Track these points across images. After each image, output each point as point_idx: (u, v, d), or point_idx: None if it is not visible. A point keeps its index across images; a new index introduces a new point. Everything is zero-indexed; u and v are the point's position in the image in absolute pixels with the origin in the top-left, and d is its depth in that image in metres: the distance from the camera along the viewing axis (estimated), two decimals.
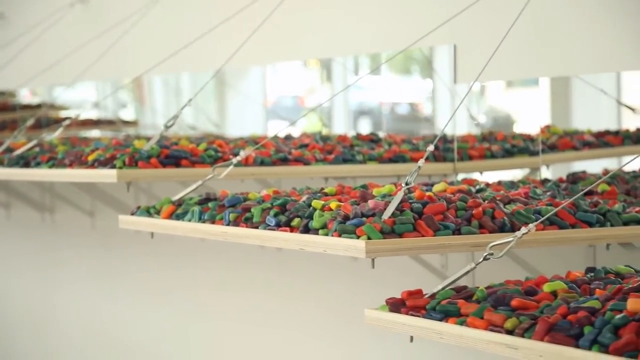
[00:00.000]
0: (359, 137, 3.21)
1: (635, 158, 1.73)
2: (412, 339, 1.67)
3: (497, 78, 3.50)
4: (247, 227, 2.08)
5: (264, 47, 3.30)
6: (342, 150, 2.94)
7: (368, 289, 2.83)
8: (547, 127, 3.40)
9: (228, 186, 2.48)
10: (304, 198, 2.09)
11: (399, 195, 1.89)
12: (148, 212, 2.41)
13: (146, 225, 2.36)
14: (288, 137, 3.34)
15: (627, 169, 2.72)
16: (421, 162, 1.95)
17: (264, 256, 3.02)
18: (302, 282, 3.07)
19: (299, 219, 1.98)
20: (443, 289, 1.71)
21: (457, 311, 1.62)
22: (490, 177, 2.99)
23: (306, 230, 1.94)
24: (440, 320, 1.61)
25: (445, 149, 3.01)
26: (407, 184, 1.92)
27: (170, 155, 2.58)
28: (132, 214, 2.44)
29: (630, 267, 1.79)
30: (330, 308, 3.00)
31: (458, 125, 4.16)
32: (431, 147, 2.01)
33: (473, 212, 1.94)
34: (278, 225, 2.01)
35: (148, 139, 2.90)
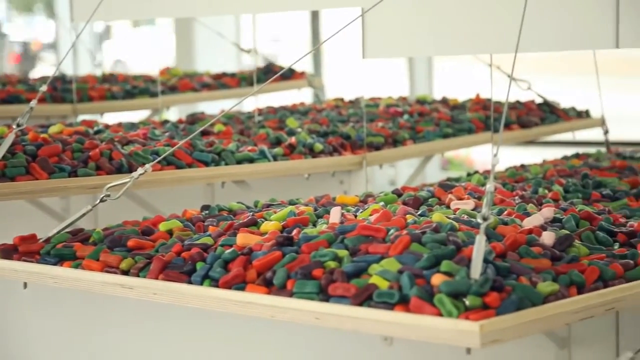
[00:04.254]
0: None
1: (245, 98, 1.80)
2: (25, 285, 1.62)
3: (115, 18, 3.46)
4: None
5: None
6: None
7: None
8: (168, 68, 3.43)
9: None
10: None
11: (10, 138, 1.82)
12: None
13: None
14: None
15: (243, 109, 2.82)
16: (33, 102, 1.88)
17: None
18: None
19: None
20: (58, 232, 1.67)
21: (72, 254, 1.59)
22: (112, 118, 2.95)
23: None
24: (55, 264, 1.58)
25: (64, 90, 2.92)
26: (19, 125, 1.85)
27: None
28: None
29: (242, 204, 1.86)
30: None
31: (80, 65, 4.06)
32: (44, 87, 1.95)
33: (90, 153, 1.91)
34: None
35: None
